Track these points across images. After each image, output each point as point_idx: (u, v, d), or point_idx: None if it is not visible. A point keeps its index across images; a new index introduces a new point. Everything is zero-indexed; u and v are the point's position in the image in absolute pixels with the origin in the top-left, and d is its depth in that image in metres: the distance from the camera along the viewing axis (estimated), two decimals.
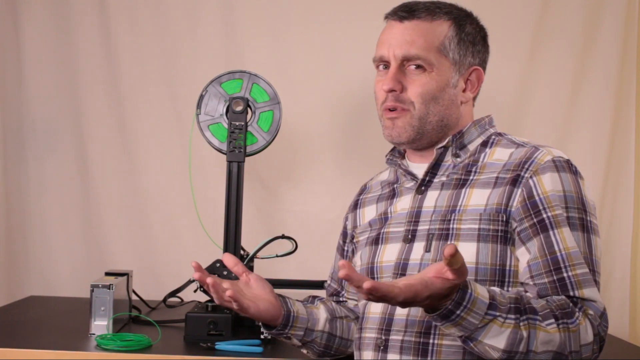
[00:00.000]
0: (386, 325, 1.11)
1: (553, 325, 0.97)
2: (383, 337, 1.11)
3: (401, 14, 1.16)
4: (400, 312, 1.10)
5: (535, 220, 1.06)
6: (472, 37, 1.19)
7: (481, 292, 0.94)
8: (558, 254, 1.04)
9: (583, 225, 1.06)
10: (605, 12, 2.05)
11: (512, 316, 0.96)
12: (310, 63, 2.07)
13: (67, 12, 2.09)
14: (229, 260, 1.15)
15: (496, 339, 0.95)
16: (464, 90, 1.18)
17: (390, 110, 1.16)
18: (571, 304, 1.01)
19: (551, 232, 1.04)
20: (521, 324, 0.96)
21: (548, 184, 1.07)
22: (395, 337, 1.09)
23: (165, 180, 2.09)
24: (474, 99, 1.23)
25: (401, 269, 1.12)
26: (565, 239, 1.04)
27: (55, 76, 2.11)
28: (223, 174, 1.64)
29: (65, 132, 2.11)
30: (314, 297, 1.32)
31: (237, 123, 1.60)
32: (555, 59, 2.06)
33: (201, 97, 1.64)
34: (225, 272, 1.57)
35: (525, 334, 0.96)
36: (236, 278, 1.18)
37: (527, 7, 2.05)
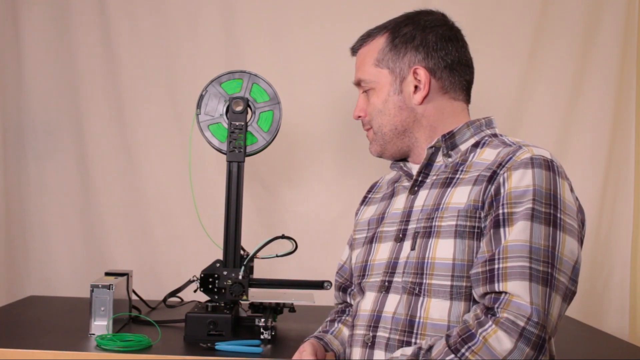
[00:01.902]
0: (374, 322, 1.13)
1: None
2: (370, 334, 1.12)
3: (351, 50, 1.27)
4: (388, 310, 1.11)
5: (492, 216, 1.04)
6: (407, 36, 1.18)
7: None
8: (499, 247, 1.01)
9: (550, 220, 1.01)
10: (605, 13, 2.05)
11: None
12: (310, 63, 2.07)
13: (67, 12, 2.09)
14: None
15: None
16: (414, 93, 1.18)
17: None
18: (475, 321, 0.99)
19: (501, 229, 1.02)
20: None
21: (515, 181, 1.04)
22: (382, 334, 1.11)
23: (165, 180, 2.09)
24: (466, 94, 1.21)
25: (391, 267, 1.14)
26: (512, 233, 1.01)
27: (55, 76, 2.11)
28: (223, 174, 1.64)
29: (65, 132, 2.11)
30: (332, 320, 1.34)
31: (237, 123, 1.60)
32: (555, 60, 2.06)
33: (201, 97, 1.64)
34: (225, 272, 1.57)
35: None
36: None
37: (527, 7, 2.06)
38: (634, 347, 1.62)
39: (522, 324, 0.96)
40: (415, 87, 1.17)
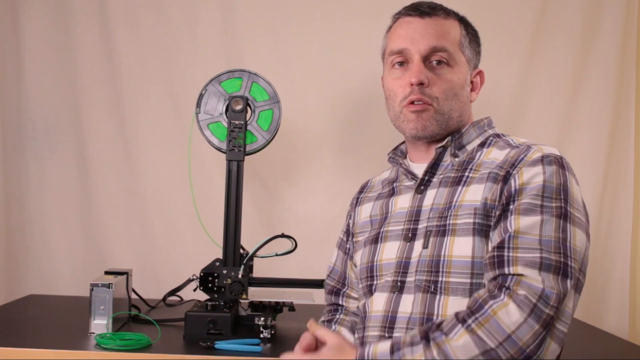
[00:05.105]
0: (389, 323, 1.12)
1: (460, 331, 0.96)
2: (387, 335, 1.12)
3: (423, 9, 1.17)
4: (403, 311, 1.11)
5: (501, 211, 1.05)
6: (476, 37, 1.23)
7: (381, 344, 0.99)
8: (508, 234, 1.02)
9: (561, 214, 1.03)
10: (604, 12, 2.05)
11: (420, 345, 0.96)
12: (310, 62, 2.07)
13: (67, 12, 2.09)
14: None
15: None
16: (471, 90, 1.22)
17: (413, 103, 1.16)
18: (486, 294, 0.98)
19: (509, 219, 1.03)
20: (431, 344, 0.96)
21: (526, 178, 1.06)
22: (399, 335, 1.10)
23: (164, 179, 2.09)
24: None
25: (403, 267, 1.13)
26: (519, 224, 1.02)
27: (55, 76, 2.11)
28: (223, 172, 1.64)
29: (65, 132, 2.11)
30: (328, 320, 1.32)
31: (236, 122, 1.60)
32: (555, 59, 2.06)
33: (201, 95, 1.64)
34: (224, 271, 1.57)
35: (435, 351, 0.95)
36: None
37: (527, 7, 2.06)
38: (634, 346, 1.62)
39: (534, 300, 0.95)
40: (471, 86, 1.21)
